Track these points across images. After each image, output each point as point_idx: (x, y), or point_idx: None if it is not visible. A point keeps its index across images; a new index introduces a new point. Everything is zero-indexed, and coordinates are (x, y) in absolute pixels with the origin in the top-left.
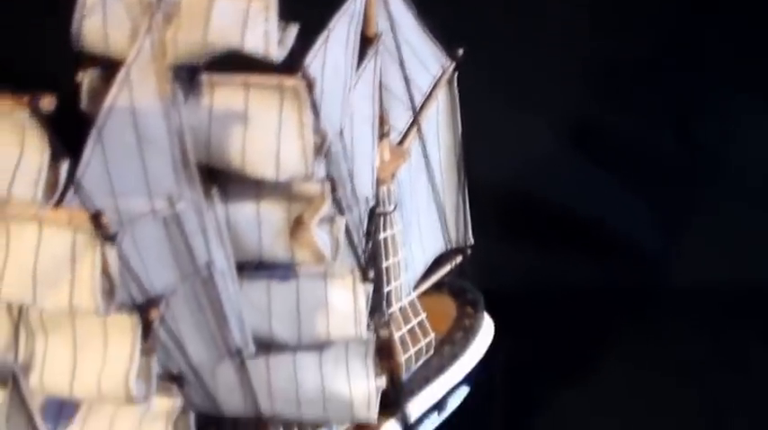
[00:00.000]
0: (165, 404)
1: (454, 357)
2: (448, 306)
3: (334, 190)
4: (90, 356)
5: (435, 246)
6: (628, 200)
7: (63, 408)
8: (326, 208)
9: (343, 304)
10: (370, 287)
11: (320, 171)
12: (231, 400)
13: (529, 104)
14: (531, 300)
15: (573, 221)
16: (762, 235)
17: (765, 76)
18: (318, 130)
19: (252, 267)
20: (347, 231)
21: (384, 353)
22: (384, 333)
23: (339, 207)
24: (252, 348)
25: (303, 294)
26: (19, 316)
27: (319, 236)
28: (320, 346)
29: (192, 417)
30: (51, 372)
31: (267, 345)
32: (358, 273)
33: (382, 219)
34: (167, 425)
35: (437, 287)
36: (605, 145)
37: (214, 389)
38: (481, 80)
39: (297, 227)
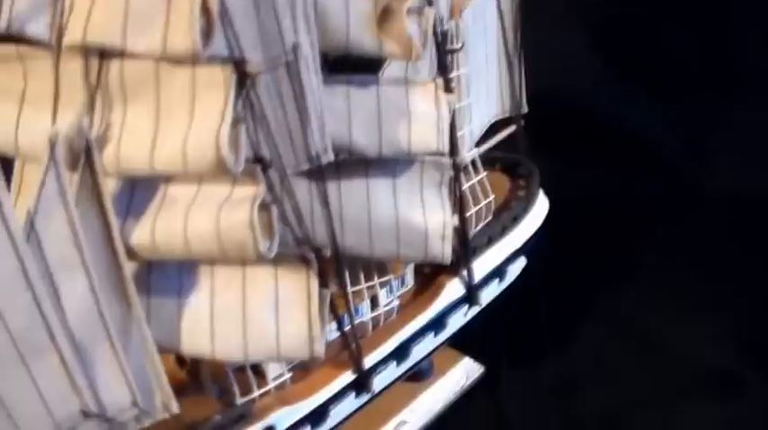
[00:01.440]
0: (248, 190)
1: (515, 220)
2: (502, 180)
3: None
4: (175, 120)
5: (491, 111)
6: (660, 109)
7: (133, 199)
8: None
9: (426, 112)
10: (453, 98)
11: None
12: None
13: (558, 14)
14: (565, 209)
15: (606, 131)
16: None
17: None
18: None
19: (329, 69)
20: (433, 30)
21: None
22: (459, 159)
23: None
24: (331, 155)
25: (384, 100)
26: (97, 81)
27: (409, 26)
28: (395, 170)
29: (274, 212)
30: (129, 144)
31: (339, 165)
32: (440, 82)
33: (449, 57)
34: (251, 212)
35: (489, 163)
36: (639, 55)
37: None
38: None
39: (385, 16)
